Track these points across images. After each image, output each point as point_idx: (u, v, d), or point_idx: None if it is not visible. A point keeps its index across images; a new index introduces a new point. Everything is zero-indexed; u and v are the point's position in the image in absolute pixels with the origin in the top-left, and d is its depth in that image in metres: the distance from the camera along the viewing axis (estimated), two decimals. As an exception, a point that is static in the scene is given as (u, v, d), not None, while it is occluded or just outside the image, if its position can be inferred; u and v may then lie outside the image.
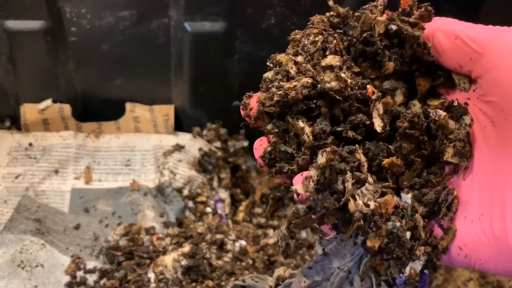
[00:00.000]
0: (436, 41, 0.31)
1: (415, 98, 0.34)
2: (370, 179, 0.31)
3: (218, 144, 0.84)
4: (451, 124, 0.32)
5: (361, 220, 0.29)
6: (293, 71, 0.33)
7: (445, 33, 0.31)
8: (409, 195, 0.33)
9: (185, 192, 0.78)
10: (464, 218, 0.30)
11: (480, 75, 0.30)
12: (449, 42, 0.30)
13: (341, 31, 0.36)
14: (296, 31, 0.36)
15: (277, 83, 0.33)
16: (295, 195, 0.31)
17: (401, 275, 0.31)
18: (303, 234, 0.78)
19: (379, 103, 0.33)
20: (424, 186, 0.33)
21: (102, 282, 0.64)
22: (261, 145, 0.34)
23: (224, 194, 0.79)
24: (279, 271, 0.42)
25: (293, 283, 0.38)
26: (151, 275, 0.63)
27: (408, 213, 0.32)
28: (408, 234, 0.31)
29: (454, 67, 0.31)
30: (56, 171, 0.78)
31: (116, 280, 0.64)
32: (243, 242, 0.69)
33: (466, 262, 0.30)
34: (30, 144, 0.80)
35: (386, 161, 0.32)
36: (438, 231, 0.32)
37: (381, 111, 0.33)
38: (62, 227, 0.71)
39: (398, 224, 0.30)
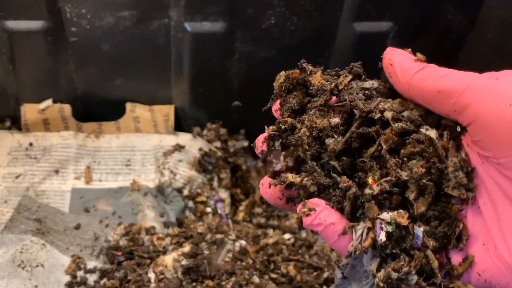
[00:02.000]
0: (421, 93, 0.32)
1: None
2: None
3: (218, 144, 0.84)
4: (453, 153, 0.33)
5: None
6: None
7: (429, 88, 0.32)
8: (421, 229, 0.33)
9: (185, 192, 0.78)
10: (482, 246, 0.31)
11: (468, 122, 0.31)
12: (434, 96, 0.32)
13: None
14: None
15: None
16: None
17: None
18: (303, 234, 0.78)
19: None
20: (438, 217, 0.33)
21: (102, 282, 0.64)
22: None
23: (224, 194, 0.79)
24: None
25: None
26: (151, 275, 0.63)
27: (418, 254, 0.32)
28: (415, 278, 0.31)
29: (443, 115, 0.33)
30: (57, 171, 0.78)
31: (116, 280, 0.64)
32: (243, 242, 0.69)
33: (486, 286, 0.31)
34: (31, 144, 0.80)
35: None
36: (454, 259, 0.33)
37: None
38: (62, 227, 0.71)
39: (406, 269, 0.31)
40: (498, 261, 0.30)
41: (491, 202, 0.31)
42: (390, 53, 0.35)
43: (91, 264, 0.66)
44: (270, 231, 0.77)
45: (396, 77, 0.34)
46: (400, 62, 0.33)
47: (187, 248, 0.66)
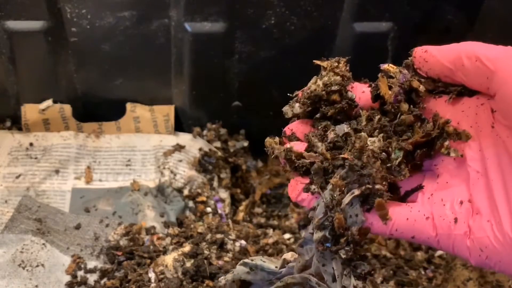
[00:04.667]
0: (460, 64, 0.34)
1: None
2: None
3: (218, 144, 0.84)
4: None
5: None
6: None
7: (468, 56, 0.33)
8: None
9: (186, 192, 0.78)
10: (487, 222, 0.31)
11: (495, 91, 0.32)
12: (471, 64, 0.33)
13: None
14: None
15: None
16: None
17: None
18: (303, 234, 0.78)
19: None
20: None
21: (102, 281, 0.65)
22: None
23: (224, 194, 0.80)
24: (287, 255, 0.45)
25: (295, 264, 0.43)
26: (152, 275, 0.63)
27: None
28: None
29: (477, 87, 0.34)
30: (57, 171, 0.78)
31: (117, 280, 0.64)
32: (243, 242, 0.69)
33: (487, 264, 0.31)
34: (31, 144, 0.81)
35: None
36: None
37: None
38: (62, 227, 0.71)
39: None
40: (502, 237, 0.30)
41: (502, 176, 0.31)
42: (421, 47, 0.37)
43: (91, 264, 0.67)
44: (270, 231, 0.77)
45: (434, 58, 0.35)
46: (435, 47, 0.35)
47: (187, 248, 0.66)
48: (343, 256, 0.35)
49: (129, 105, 0.82)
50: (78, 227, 0.71)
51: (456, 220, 0.33)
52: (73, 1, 0.70)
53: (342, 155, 0.36)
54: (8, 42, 0.74)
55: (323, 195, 0.35)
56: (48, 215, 0.72)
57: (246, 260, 0.47)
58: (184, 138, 0.83)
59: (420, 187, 0.36)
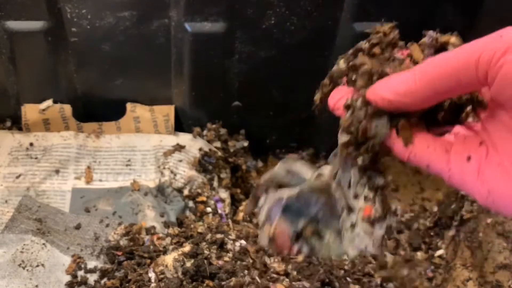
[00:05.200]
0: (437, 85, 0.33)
1: None
2: None
3: (218, 144, 0.84)
4: None
5: None
6: None
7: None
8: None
9: (186, 192, 0.78)
10: (497, 165, 0.32)
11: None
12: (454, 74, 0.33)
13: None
14: None
15: None
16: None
17: None
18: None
19: None
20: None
21: (102, 281, 0.65)
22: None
23: (224, 194, 0.80)
24: (321, 168, 0.44)
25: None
26: (152, 275, 0.63)
27: None
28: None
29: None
30: (57, 171, 0.78)
31: (117, 280, 0.64)
32: (243, 242, 0.69)
33: (494, 207, 0.32)
34: (31, 144, 0.81)
35: None
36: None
37: None
38: (62, 227, 0.71)
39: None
40: (510, 182, 0.31)
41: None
42: (372, 95, 0.35)
43: (91, 264, 0.67)
44: (270, 231, 0.77)
45: (405, 98, 0.33)
46: (393, 88, 0.34)
47: (187, 248, 0.66)
48: (360, 163, 0.36)
49: (129, 105, 0.82)
50: (78, 227, 0.71)
51: (469, 158, 0.33)
52: (73, 1, 0.71)
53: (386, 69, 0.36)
54: (8, 42, 0.74)
55: (358, 99, 0.36)
56: (48, 215, 0.72)
57: (286, 160, 0.48)
58: (184, 138, 0.83)
59: (448, 130, 0.37)
